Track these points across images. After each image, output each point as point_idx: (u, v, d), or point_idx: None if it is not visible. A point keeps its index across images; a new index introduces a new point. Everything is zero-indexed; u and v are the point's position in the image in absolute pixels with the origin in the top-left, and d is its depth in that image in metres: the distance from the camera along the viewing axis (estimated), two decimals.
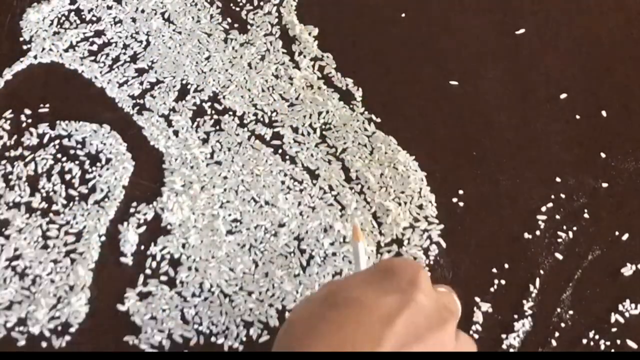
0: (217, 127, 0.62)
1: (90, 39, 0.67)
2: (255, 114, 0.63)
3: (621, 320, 0.55)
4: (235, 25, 0.68)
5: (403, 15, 0.70)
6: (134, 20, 0.68)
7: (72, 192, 0.59)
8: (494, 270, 0.57)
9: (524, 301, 0.55)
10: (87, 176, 0.60)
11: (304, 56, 0.67)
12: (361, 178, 0.60)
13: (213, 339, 0.53)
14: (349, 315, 0.41)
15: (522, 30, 0.69)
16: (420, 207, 0.59)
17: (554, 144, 0.63)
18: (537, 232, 0.58)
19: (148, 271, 0.56)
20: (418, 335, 0.41)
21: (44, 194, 0.59)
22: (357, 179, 0.60)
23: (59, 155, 0.60)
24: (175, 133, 0.62)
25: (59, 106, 0.63)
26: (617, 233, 0.58)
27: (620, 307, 0.55)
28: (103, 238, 0.57)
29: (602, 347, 0.54)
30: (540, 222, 0.59)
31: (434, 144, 0.62)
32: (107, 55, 0.66)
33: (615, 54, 0.68)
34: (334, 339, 0.41)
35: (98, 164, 0.60)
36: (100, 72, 0.65)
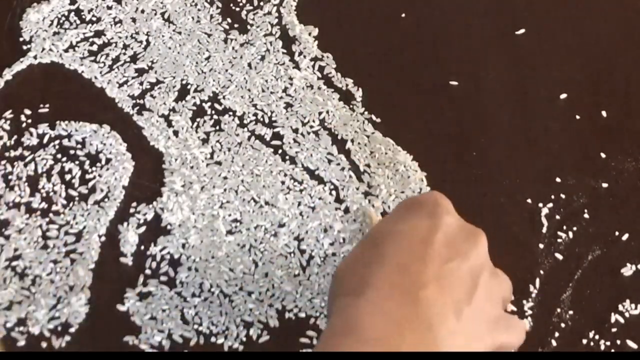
0: (217, 127, 0.62)
1: (90, 39, 0.67)
2: (255, 114, 0.63)
3: (621, 320, 0.55)
4: (235, 25, 0.68)
5: (403, 15, 0.70)
6: (134, 20, 0.68)
7: (72, 192, 0.59)
8: None
9: (524, 301, 0.55)
10: (87, 176, 0.60)
11: (304, 56, 0.67)
12: (363, 178, 0.60)
13: (213, 339, 0.53)
14: (389, 247, 0.44)
15: (522, 30, 0.69)
16: None
17: (554, 144, 0.63)
18: (537, 232, 0.58)
19: (148, 271, 0.56)
20: (458, 250, 0.44)
21: (44, 194, 0.59)
22: (359, 179, 0.60)
23: (58, 156, 0.60)
24: (175, 133, 0.62)
25: (59, 106, 0.63)
26: (617, 233, 0.58)
27: (620, 307, 0.55)
28: (103, 238, 0.57)
29: (602, 347, 0.54)
30: (540, 222, 0.59)
31: (434, 144, 0.62)
32: (107, 55, 0.66)
33: (615, 54, 0.68)
34: (381, 272, 0.43)
35: (98, 164, 0.60)
36: (100, 72, 0.65)
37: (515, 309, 0.55)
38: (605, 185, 0.61)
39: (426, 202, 0.47)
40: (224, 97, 0.64)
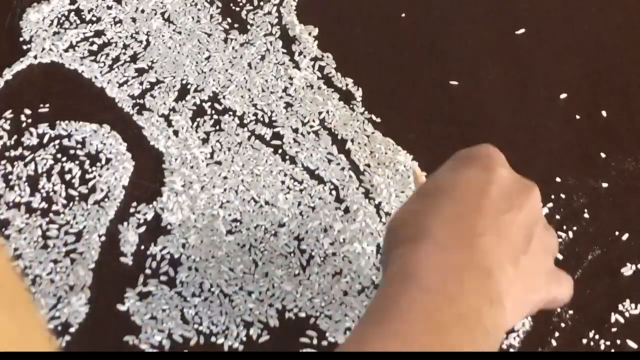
0: (217, 127, 0.62)
1: (90, 39, 0.67)
2: (255, 114, 0.63)
3: (621, 320, 0.55)
4: (235, 25, 0.68)
5: (403, 15, 0.70)
6: (134, 20, 0.68)
7: (72, 192, 0.59)
8: None
9: None
10: (87, 176, 0.60)
11: (304, 56, 0.67)
12: (363, 178, 0.60)
13: (213, 339, 0.53)
14: (444, 198, 0.43)
15: (522, 30, 0.69)
16: None
17: (554, 144, 0.63)
18: None
19: (148, 271, 0.56)
20: (512, 202, 0.43)
21: (44, 194, 0.59)
22: (359, 179, 0.60)
23: (59, 155, 0.60)
24: (175, 133, 0.62)
25: (59, 106, 0.63)
26: (617, 233, 0.58)
27: (620, 307, 0.55)
28: (103, 238, 0.57)
29: (602, 347, 0.54)
30: None
31: (434, 144, 0.62)
32: (107, 55, 0.66)
33: (615, 54, 0.68)
34: (437, 221, 0.42)
35: (98, 164, 0.60)
36: (100, 72, 0.65)
37: None
38: (605, 185, 0.61)
39: (479, 155, 0.46)
40: (224, 97, 0.64)
